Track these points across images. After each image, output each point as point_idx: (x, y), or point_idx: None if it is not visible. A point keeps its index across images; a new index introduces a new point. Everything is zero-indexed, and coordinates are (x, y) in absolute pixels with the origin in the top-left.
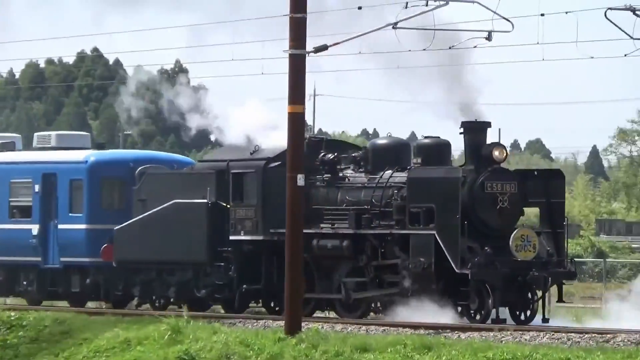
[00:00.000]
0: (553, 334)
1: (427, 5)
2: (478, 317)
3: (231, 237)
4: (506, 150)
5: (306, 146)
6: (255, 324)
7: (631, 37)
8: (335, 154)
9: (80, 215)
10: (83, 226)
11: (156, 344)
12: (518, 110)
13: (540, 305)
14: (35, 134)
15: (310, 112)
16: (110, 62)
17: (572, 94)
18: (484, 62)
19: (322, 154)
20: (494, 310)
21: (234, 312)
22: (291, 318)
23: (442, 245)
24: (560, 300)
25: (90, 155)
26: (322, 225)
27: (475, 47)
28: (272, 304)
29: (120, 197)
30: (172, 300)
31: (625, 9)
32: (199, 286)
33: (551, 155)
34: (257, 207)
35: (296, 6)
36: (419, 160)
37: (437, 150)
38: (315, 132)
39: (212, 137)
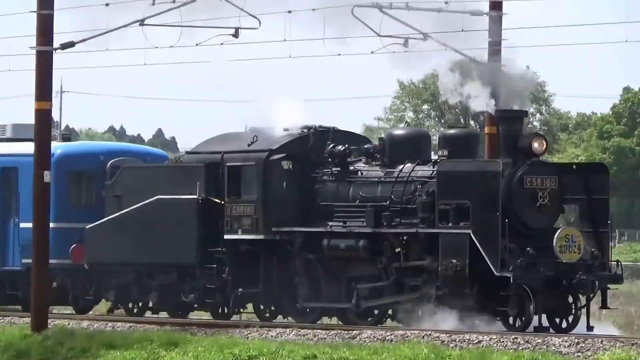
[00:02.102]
0: (299, 331)
1: (174, 2)
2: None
3: (226, 237)
4: (546, 142)
5: (312, 137)
6: (1, 320)
7: (378, 34)
8: (346, 145)
9: None
10: (49, 225)
11: None
12: None
13: (584, 312)
14: None
15: (57, 109)
16: None
17: (321, 91)
18: (236, 58)
19: (331, 145)
20: (535, 317)
21: (226, 319)
22: (37, 314)
23: (478, 246)
24: (604, 306)
25: (57, 147)
26: (330, 223)
27: (222, 44)
28: (267, 310)
29: (89, 193)
30: (151, 305)
31: (372, 6)
32: (185, 290)
33: None
34: (257, 204)
35: (43, 3)
36: (446, 153)
37: (465, 141)
38: (62, 128)
39: None
